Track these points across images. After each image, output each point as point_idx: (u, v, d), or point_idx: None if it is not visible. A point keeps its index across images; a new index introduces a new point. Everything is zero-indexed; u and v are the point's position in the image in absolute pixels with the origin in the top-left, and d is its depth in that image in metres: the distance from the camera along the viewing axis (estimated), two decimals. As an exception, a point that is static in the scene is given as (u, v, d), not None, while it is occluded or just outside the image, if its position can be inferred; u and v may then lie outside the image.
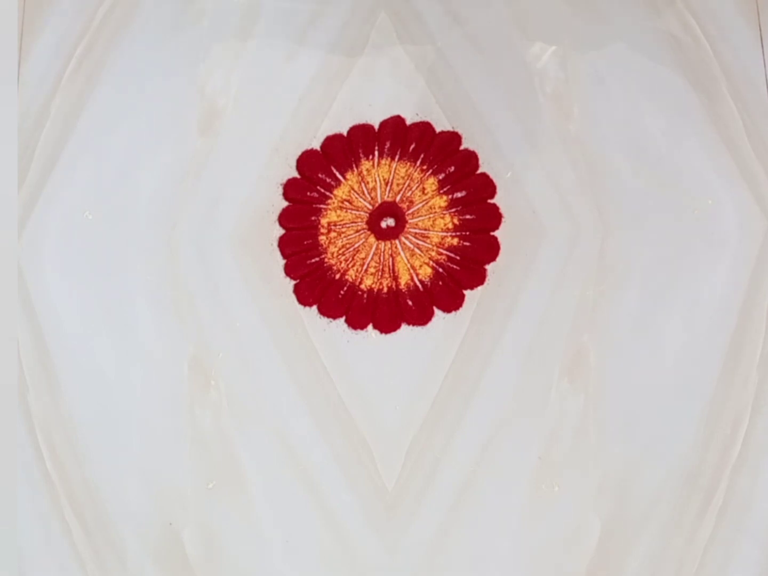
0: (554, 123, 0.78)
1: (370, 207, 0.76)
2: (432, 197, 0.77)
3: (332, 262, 0.76)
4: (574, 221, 0.76)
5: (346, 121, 0.78)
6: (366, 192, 0.77)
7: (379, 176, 0.77)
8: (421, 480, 0.71)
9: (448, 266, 0.75)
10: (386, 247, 0.76)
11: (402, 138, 0.78)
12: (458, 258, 0.75)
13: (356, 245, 0.76)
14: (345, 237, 0.76)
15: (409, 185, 0.77)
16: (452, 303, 0.74)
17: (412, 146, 0.78)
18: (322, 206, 0.77)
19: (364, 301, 0.74)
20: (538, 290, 0.74)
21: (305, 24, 0.81)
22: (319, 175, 0.77)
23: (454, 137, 0.78)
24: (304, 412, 0.73)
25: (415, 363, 0.73)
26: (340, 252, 0.76)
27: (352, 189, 0.77)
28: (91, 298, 0.76)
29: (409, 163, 0.78)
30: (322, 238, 0.76)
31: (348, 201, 0.77)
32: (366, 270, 0.75)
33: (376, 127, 0.78)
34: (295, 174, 0.78)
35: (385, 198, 0.76)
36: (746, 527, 0.69)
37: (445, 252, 0.75)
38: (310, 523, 0.70)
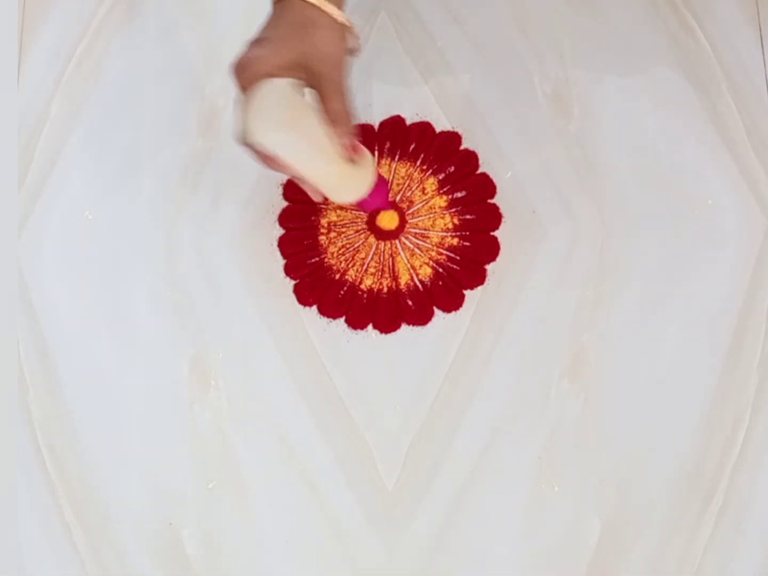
0: (554, 123, 0.78)
1: (370, 207, 0.76)
2: (432, 197, 0.76)
3: (332, 262, 0.75)
4: (574, 221, 0.76)
5: (346, 121, 0.78)
6: (366, 192, 0.77)
7: (379, 176, 0.77)
8: (421, 480, 0.71)
9: (448, 266, 0.75)
10: (386, 247, 0.76)
11: (402, 138, 0.78)
12: (458, 258, 0.75)
13: (356, 245, 0.76)
14: (345, 237, 0.76)
15: (409, 185, 0.77)
16: (452, 303, 0.74)
17: (412, 146, 0.78)
18: (322, 206, 0.77)
19: (364, 301, 0.74)
20: (538, 290, 0.74)
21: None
22: (320, 175, 0.77)
23: (454, 137, 0.78)
24: (304, 413, 0.72)
25: (415, 363, 0.73)
26: (340, 252, 0.76)
27: (353, 189, 0.77)
28: (91, 297, 0.76)
29: (409, 163, 0.78)
30: (322, 238, 0.76)
31: (348, 201, 0.76)
32: (366, 270, 0.75)
33: (376, 127, 0.78)
34: (295, 174, 0.78)
35: (385, 198, 0.76)
36: (746, 527, 0.68)
37: (445, 252, 0.75)
38: (310, 523, 0.70)
